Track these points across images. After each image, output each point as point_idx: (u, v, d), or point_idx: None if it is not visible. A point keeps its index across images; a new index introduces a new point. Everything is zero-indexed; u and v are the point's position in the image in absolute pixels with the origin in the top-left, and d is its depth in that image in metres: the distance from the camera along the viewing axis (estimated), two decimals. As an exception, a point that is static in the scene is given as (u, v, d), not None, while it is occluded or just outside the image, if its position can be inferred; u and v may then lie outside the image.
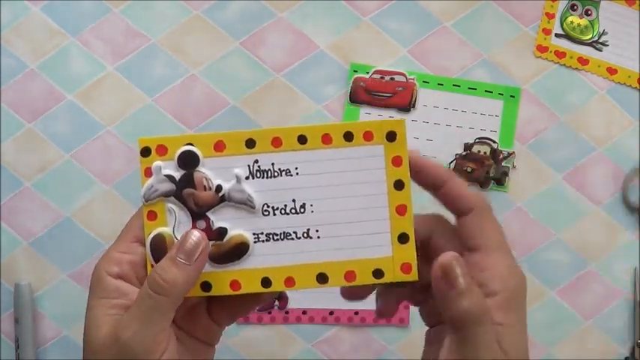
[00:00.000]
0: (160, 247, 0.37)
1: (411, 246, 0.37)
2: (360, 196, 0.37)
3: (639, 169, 0.69)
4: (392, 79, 0.68)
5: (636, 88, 0.69)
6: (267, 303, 0.40)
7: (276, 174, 0.37)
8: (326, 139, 0.37)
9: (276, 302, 0.67)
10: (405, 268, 0.37)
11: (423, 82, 0.68)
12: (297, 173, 0.37)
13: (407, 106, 0.68)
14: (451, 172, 0.38)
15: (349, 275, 0.37)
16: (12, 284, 0.66)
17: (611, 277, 0.69)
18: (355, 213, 0.37)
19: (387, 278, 0.37)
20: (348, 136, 0.37)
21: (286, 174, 0.37)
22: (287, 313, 0.67)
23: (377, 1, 0.69)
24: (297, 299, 0.67)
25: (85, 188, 0.67)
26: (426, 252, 0.38)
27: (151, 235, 0.37)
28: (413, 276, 0.37)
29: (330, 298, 0.67)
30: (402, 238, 0.37)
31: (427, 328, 0.41)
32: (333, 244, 0.37)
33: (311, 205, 0.37)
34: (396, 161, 0.37)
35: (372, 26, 0.69)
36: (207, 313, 0.40)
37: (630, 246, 0.69)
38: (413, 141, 0.68)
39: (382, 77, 0.68)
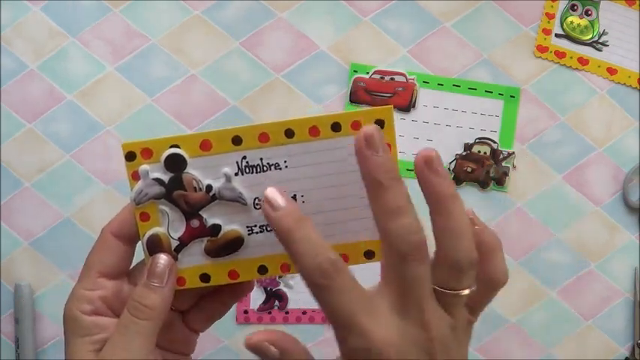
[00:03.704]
0: (156, 247, 0.38)
1: None
2: (349, 184, 0.37)
3: (639, 169, 0.69)
4: (392, 79, 0.68)
5: (636, 88, 0.69)
6: (244, 297, 0.41)
7: (265, 168, 0.37)
8: (313, 132, 0.37)
9: (277, 302, 0.67)
10: None
11: (423, 82, 0.68)
12: (286, 166, 0.37)
13: (407, 106, 0.68)
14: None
15: (342, 258, 0.38)
16: (12, 284, 0.66)
17: (611, 277, 0.69)
18: (345, 200, 0.37)
19: (377, 258, 0.38)
20: (336, 127, 0.37)
21: (275, 168, 0.37)
22: (287, 313, 0.67)
23: (377, 1, 0.69)
24: (297, 299, 0.67)
25: (85, 188, 0.67)
26: None
27: (147, 236, 0.38)
28: None
29: (330, 298, 0.67)
30: None
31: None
32: (324, 231, 0.37)
33: (302, 196, 0.37)
34: None
35: (372, 26, 0.69)
36: (183, 325, 0.41)
37: (630, 246, 0.69)
38: (413, 141, 0.68)
39: (382, 77, 0.68)
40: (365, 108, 0.37)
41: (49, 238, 0.67)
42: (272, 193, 0.35)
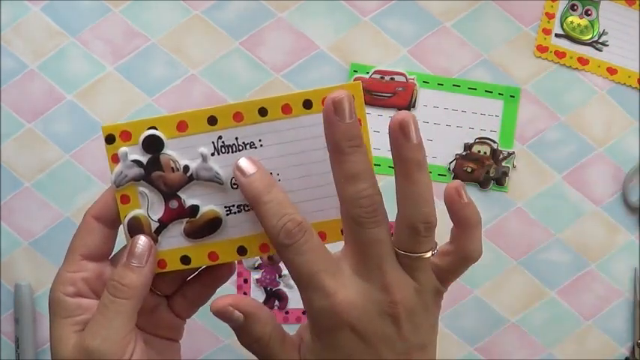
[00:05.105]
0: (136, 229, 0.38)
1: None
2: (324, 161, 0.37)
3: (639, 169, 0.69)
4: (392, 79, 0.68)
5: (636, 88, 0.69)
6: (225, 281, 0.42)
7: (240, 148, 0.38)
8: (286, 109, 0.37)
9: (276, 302, 0.67)
10: None
11: (423, 82, 0.68)
12: (261, 145, 0.38)
13: (407, 106, 0.68)
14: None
15: (320, 236, 0.38)
16: (12, 284, 0.66)
17: (611, 277, 0.69)
18: (320, 177, 0.38)
19: None
20: (307, 104, 0.37)
21: (250, 146, 0.38)
22: (287, 313, 0.67)
23: (377, 1, 0.69)
24: (297, 299, 0.67)
25: (85, 188, 0.67)
26: None
27: (127, 218, 0.38)
28: None
29: (330, 298, 0.67)
30: None
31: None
32: (302, 208, 0.38)
33: (277, 174, 0.38)
34: None
35: (372, 26, 0.69)
36: (169, 309, 0.42)
37: (630, 246, 0.69)
38: (413, 141, 0.68)
39: (382, 77, 0.68)
40: (335, 84, 0.38)
41: (49, 238, 0.67)
42: (243, 161, 0.37)
